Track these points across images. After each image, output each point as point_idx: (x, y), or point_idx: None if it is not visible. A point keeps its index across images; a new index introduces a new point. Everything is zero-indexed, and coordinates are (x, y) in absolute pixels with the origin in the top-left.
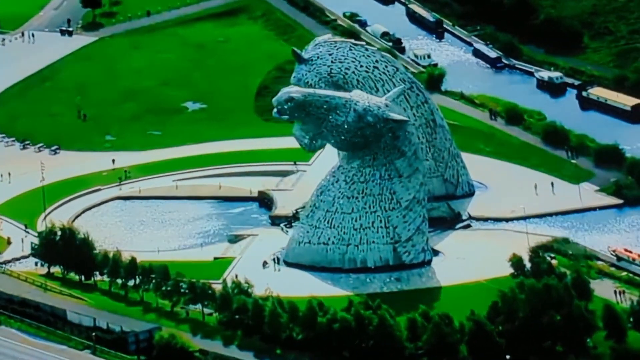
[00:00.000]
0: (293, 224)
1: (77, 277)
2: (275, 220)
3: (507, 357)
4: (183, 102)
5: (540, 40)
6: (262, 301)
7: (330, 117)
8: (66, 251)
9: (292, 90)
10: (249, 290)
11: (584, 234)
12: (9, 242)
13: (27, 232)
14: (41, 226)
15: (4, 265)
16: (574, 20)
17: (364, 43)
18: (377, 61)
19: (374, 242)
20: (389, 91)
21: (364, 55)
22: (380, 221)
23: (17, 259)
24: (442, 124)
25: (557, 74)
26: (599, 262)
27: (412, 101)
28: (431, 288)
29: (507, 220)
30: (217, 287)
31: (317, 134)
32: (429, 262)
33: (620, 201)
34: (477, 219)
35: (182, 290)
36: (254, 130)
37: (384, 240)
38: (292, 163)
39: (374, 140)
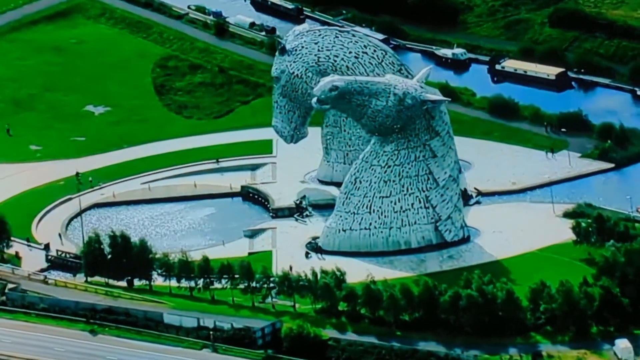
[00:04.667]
0: (305, 214)
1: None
2: (278, 213)
3: None
4: (83, 107)
5: (417, 19)
6: (374, 286)
7: (372, 103)
8: (118, 257)
9: (335, 79)
10: (343, 277)
11: (596, 197)
12: (18, 257)
13: (30, 246)
14: (42, 238)
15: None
16: None
17: (349, 29)
18: (365, 46)
19: (415, 222)
20: (379, 75)
21: (351, 42)
22: (420, 202)
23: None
24: None
25: (461, 50)
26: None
27: None
28: (490, 262)
29: (513, 192)
30: None
31: (357, 121)
32: (468, 239)
33: (611, 165)
34: (483, 194)
35: (271, 285)
36: (184, 129)
37: (425, 221)
38: (215, 160)
39: (410, 123)
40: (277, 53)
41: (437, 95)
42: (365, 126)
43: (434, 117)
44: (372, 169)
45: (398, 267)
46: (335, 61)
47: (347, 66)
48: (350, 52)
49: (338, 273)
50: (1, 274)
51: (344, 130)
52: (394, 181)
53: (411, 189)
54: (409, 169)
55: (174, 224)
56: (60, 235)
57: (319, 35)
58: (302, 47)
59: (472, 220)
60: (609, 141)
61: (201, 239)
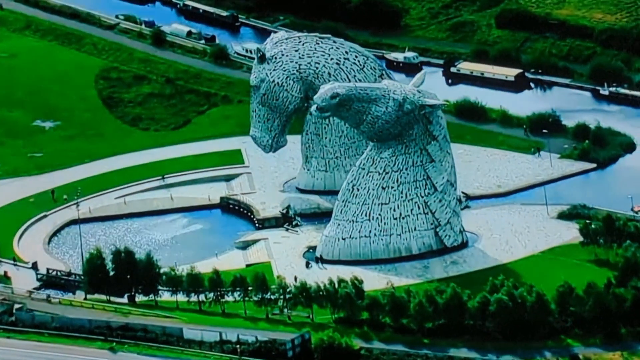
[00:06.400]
0: (294, 223)
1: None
2: (264, 223)
3: None
4: (32, 122)
5: (359, 23)
6: (398, 294)
7: (371, 109)
8: (122, 274)
9: (335, 86)
10: (361, 286)
11: (585, 198)
12: (7, 277)
13: (17, 266)
14: (27, 257)
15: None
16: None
17: (329, 36)
18: (346, 52)
19: (415, 229)
20: (360, 81)
21: (332, 48)
22: (419, 207)
23: (32, 292)
24: None
25: (413, 53)
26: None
27: None
28: (496, 266)
29: (499, 195)
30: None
31: (354, 127)
32: (466, 243)
33: (593, 165)
34: (471, 198)
35: (287, 296)
36: (144, 141)
37: (425, 226)
38: (161, 177)
39: (408, 128)
40: (255, 61)
41: (435, 100)
42: (364, 133)
43: (432, 121)
44: (370, 176)
45: (403, 274)
46: (317, 68)
47: (329, 73)
48: (331, 59)
49: (357, 282)
50: (1, 294)
51: (325, 138)
52: (392, 187)
53: (410, 194)
54: (407, 174)
55: (157, 238)
56: (34, 265)
57: (299, 42)
58: (282, 54)
59: (467, 225)
60: (586, 141)
61: (189, 252)
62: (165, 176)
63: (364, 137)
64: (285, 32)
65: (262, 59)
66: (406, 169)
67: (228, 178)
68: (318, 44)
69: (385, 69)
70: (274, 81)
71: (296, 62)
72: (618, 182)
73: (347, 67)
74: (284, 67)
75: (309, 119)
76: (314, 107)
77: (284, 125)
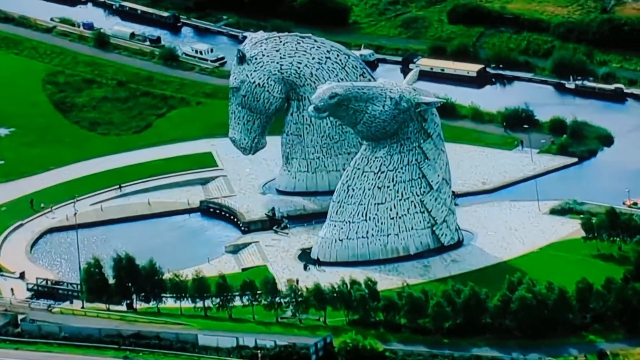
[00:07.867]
0: (282, 225)
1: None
2: (250, 226)
3: None
4: None
5: (306, 21)
6: (418, 294)
7: (369, 108)
8: (123, 281)
9: (333, 86)
10: (375, 287)
11: (574, 192)
12: None
13: (4, 276)
14: (12, 266)
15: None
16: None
17: (310, 35)
18: (328, 51)
19: (412, 228)
20: (342, 80)
21: (314, 47)
22: (415, 206)
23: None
24: None
25: (369, 51)
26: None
27: None
28: (498, 264)
29: (485, 192)
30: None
31: (351, 127)
32: (462, 242)
33: (574, 159)
34: (457, 196)
35: (298, 299)
36: (107, 146)
37: (421, 225)
38: (117, 187)
39: (404, 126)
40: (235, 62)
41: (430, 97)
42: (361, 132)
43: (426, 119)
44: (365, 176)
45: (405, 274)
46: (299, 68)
47: (311, 72)
48: (313, 58)
49: (370, 283)
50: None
51: (307, 139)
52: (388, 187)
53: (406, 193)
54: (403, 173)
55: (140, 244)
56: (21, 275)
57: (280, 42)
58: (263, 55)
59: (459, 223)
60: (564, 135)
61: (176, 257)
62: (123, 185)
63: (346, 137)
64: (264, 32)
65: (242, 59)
66: (401, 168)
67: (204, 181)
68: (299, 43)
69: (366, 67)
70: (254, 82)
71: (277, 62)
72: (601, 175)
73: (329, 67)
74: (265, 68)
75: (290, 120)
76: (311, 108)
77: (264, 126)
